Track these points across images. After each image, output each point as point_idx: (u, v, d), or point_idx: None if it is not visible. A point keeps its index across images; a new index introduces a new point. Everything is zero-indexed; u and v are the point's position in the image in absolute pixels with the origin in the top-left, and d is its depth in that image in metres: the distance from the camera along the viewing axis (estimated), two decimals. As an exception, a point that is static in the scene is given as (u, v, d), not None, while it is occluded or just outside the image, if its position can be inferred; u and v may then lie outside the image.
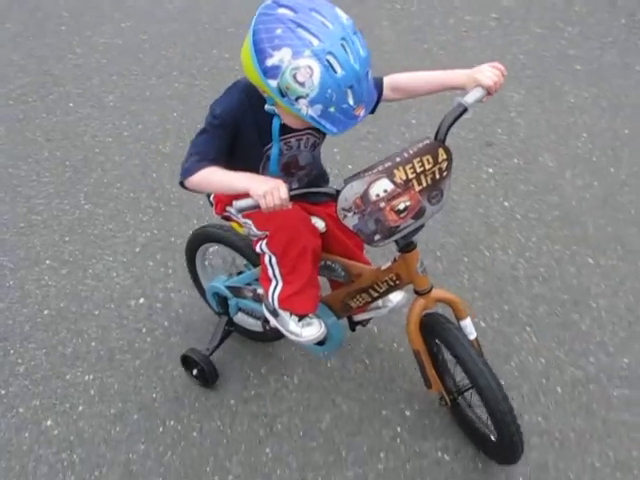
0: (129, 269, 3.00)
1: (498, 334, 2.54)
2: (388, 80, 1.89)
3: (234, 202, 1.65)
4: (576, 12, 4.50)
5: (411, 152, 1.70)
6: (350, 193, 1.66)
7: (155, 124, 3.84)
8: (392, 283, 2.00)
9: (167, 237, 3.15)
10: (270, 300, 2.09)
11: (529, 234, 2.95)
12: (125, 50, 4.46)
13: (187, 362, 2.47)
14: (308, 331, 2.08)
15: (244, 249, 2.28)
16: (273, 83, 1.59)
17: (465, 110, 1.73)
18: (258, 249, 2.06)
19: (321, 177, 2.13)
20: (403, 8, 4.62)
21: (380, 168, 1.68)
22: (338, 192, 1.66)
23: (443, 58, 4.07)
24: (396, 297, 2.22)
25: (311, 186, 2.00)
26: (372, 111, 1.83)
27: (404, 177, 1.69)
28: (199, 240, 2.48)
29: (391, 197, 1.70)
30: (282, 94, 1.60)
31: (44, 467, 2.30)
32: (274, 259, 2.03)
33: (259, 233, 2.03)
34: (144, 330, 2.73)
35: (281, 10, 1.55)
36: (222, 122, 1.79)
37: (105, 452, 2.33)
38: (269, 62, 1.56)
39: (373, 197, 1.68)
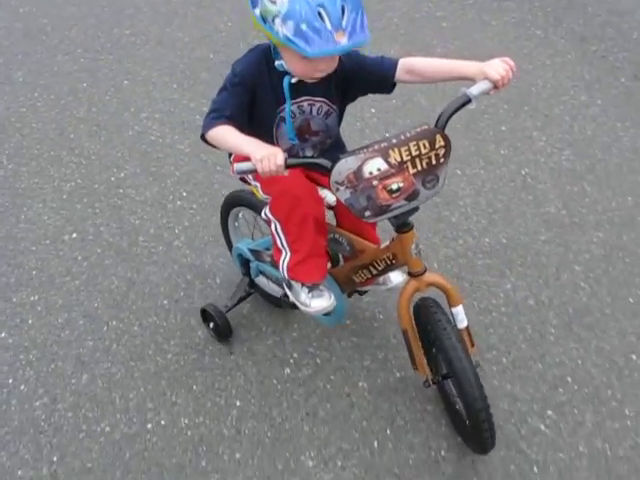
0: (59, 212, 3.34)
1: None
2: (403, 62, 1.93)
3: (235, 165, 1.75)
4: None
5: (408, 135, 1.73)
6: (344, 168, 1.70)
7: (67, 94, 4.16)
8: (389, 262, 2.04)
9: (91, 185, 3.50)
10: (281, 271, 2.15)
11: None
12: (27, 32, 4.74)
13: (205, 315, 2.59)
14: (317, 302, 2.14)
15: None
16: (257, 12, 1.73)
17: (469, 101, 1.77)
18: (264, 215, 2.14)
19: (337, 147, 2.13)
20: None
21: (376, 147, 1.71)
22: (333, 165, 1.70)
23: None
24: (397, 278, 2.30)
25: (325, 154, 2.00)
26: (389, 91, 1.99)
27: (399, 158, 1.72)
28: (230, 203, 2.58)
29: (384, 176, 1.73)
30: (264, 20, 1.72)
31: (4, 367, 2.63)
32: (279, 226, 2.09)
33: (264, 197, 2.12)
34: (79, 258, 3.08)
35: None
36: (241, 80, 1.87)
37: (57, 350, 2.67)
38: None
39: (366, 174, 1.72)
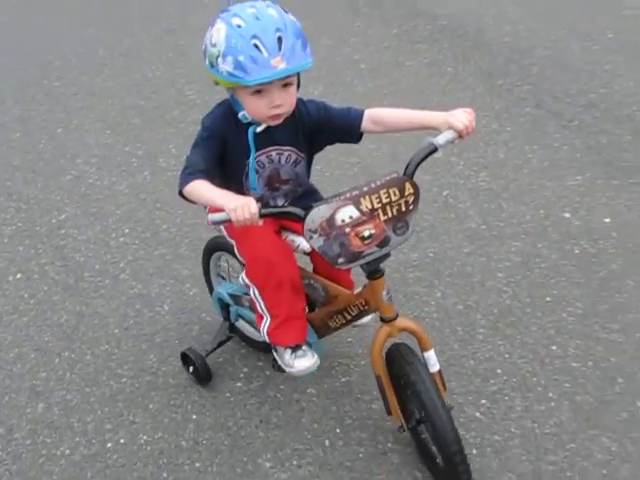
0: (1, 254, 3.42)
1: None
2: (369, 112, 1.98)
3: (209, 215, 1.74)
4: (358, 27, 5.52)
5: (378, 183, 1.78)
6: (317, 216, 1.73)
7: (0, 143, 4.26)
8: (362, 308, 2.07)
9: (32, 227, 3.60)
10: (263, 335, 2.19)
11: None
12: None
13: (185, 359, 2.61)
14: (300, 362, 2.17)
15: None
16: (207, 62, 1.83)
17: (435, 149, 1.82)
18: (241, 280, 2.19)
19: (310, 194, 2.17)
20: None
21: (347, 195, 1.76)
22: (306, 214, 1.74)
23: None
24: (365, 318, 2.27)
25: (297, 202, 2.02)
26: (356, 141, 2.04)
27: (370, 206, 1.77)
28: (211, 248, 2.62)
29: (356, 223, 1.76)
30: (212, 65, 1.82)
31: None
32: (256, 291, 2.13)
33: (240, 258, 2.16)
34: (26, 296, 3.16)
35: None
36: (211, 133, 1.94)
37: (10, 384, 2.72)
38: (203, 46, 1.85)
39: (339, 222, 1.75)
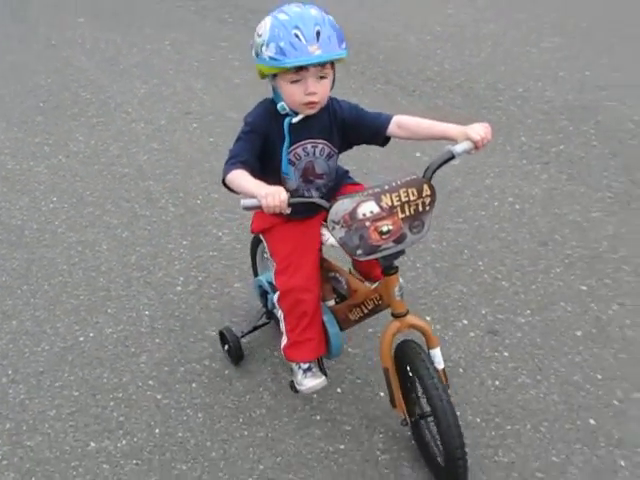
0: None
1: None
2: (397, 118, 2.11)
3: (241, 200, 1.84)
4: (227, 34, 6.32)
5: (399, 182, 1.88)
6: (340, 208, 1.84)
7: None
8: (376, 302, 2.15)
9: None
10: (281, 353, 2.38)
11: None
12: None
13: (222, 337, 2.75)
14: (309, 382, 2.34)
15: None
16: (253, 52, 1.98)
17: (452, 157, 1.95)
18: (274, 300, 2.35)
19: (335, 187, 2.29)
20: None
21: (370, 192, 1.87)
22: (330, 206, 1.86)
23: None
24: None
25: (326, 197, 2.15)
26: (383, 144, 2.17)
27: (390, 203, 1.87)
28: (258, 238, 2.67)
29: (376, 218, 1.86)
30: (257, 55, 1.95)
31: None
32: (282, 315, 2.29)
33: (274, 281, 2.33)
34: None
35: None
36: (253, 128, 2.06)
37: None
38: (251, 40, 2.00)
39: (360, 215, 1.85)
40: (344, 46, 1.94)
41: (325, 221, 2.00)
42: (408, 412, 2.21)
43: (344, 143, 2.20)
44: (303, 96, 1.97)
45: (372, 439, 2.45)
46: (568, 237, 3.40)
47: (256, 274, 2.87)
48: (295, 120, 2.05)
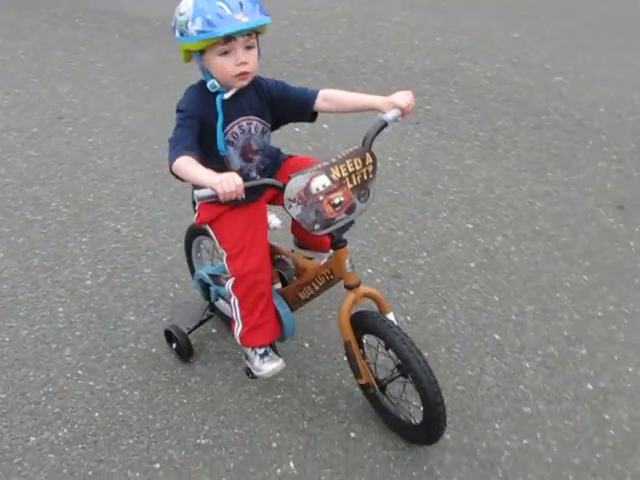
0: None
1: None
2: (323, 92, 2.13)
3: (194, 192, 1.83)
4: (82, 38, 6.24)
5: (344, 154, 1.94)
6: (295, 186, 1.87)
7: None
8: (328, 277, 2.18)
9: None
10: (236, 339, 2.35)
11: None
12: None
13: (168, 336, 2.75)
14: (267, 366, 2.36)
15: None
16: (177, 33, 1.98)
17: (385, 124, 2.01)
18: (227, 289, 2.30)
19: (274, 165, 2.29)
20: None
21: (319, 166, 1.91)
22: (285, 184, 1.88)
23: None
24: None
25: (263, 175, 2.19)
26: (311, 120, 2.19)
27: (339, 175, 1.92)
28: (192, 233, 2.76)
29: (328, 191, 1.91)
30: (182, 34, 1.95)
31: None
32: (237, 301, 2.27)
33: (226, 269, 2.29)
34: None
35: None
36: (188, 113, 2.01)
37: None
38: (172, 23, 2.00)
39: (314, 190, 1.89)
40: (266, 13, 1.96)
41: (269, 203, 2.13)
42: (368, 383, 2.26)
43: (274, 120, 2.21)
44: (234, 67, 1.97)
45: (305, 385, 2.61)
46: (448, 185, 3.70)
47: (192, 270, 2.90)
48: (227, 96, 2.05)
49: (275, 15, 5.57)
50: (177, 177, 1.97)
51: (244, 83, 2.04)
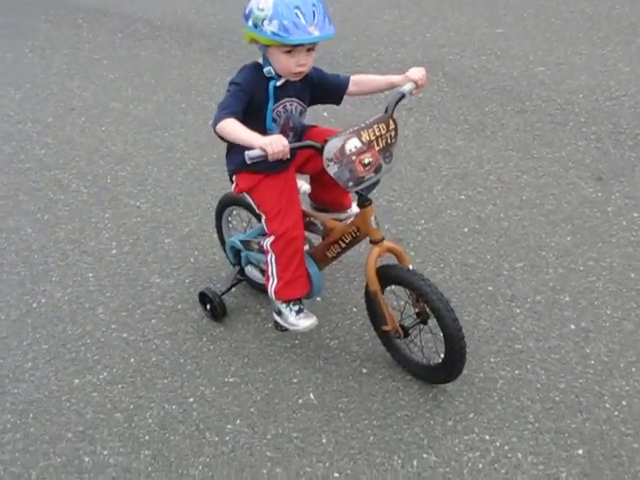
0: None
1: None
2: (354, 77, 2.42)
3: (245, 152, 1.99)
4: (88, 36, 6.53)
5: (371, 120, 2.16)
6: (332, 147, 2.09)
7: None
8: (354, 235, 2.42)
9: None
10: (271, 297, 2.56)
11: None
12: None
13: (202, 298, 2.97)
14: (304, 322, 2.57)
15: (256, 211, 2.61)
16: (250, 22, 2.14)
17: (403, 96, 2.27)
18: (265, 246, 2.52)
19: (300, 136, 2.51)
20: None
21: (351, 130, 2.12)
22: (323, 146, 2.10)
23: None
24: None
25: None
26: (338, 102, 2.46)
27: (368, 138, 2.13)
28: (225, 203, 2.97)
29: (360, 152, 2.12)
30: (255, 26, 2.11)
31: None
32: (274, 258, 2.49)
33: (266, 229, 2.51)
34: None
35: None
36: (243, 87, 2.22)
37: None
38: (247, 10, 2.16)
39: (347, 151, 2.10)
40: (332, 25, 2.15)
41: (297, 172, 2.42)
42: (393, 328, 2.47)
43: (310, 101, 2.44)
44: (295, 66, 2.18)
45: (320, 332, 2.92)
46: (441, 162, 4.03)
47: (221, 239, 3.13)
48: (279, 83, 2.27)
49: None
50: (220, 138, 2.17)
51: (297, 78, 2.27)
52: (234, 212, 3.09)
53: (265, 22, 2.09)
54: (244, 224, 3.19)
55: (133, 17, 7.02)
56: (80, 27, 7.02)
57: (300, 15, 2.06)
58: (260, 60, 2.34)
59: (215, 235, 3.35)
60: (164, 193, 3.99)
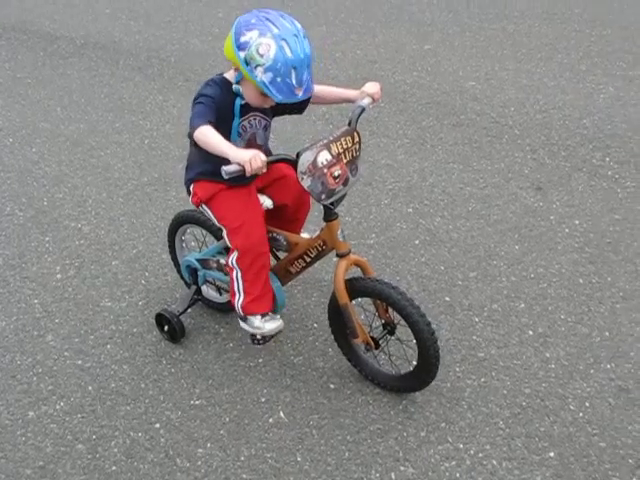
0: None
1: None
2: (314, 88, 2.30)
3: (222, 168, 1.99)
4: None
5: (339, 133, 2.20)
6: (305, 160, 2.11)
7: None
8: (320, 248, 2.42)
9: None
10: (237, 310, 2.56)
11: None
12: None
13: (159, 319, 2.90)
14: (269, 325, 2.56)
15: (213, 228, 2.68)
16: (242, 54, 2.09)
17: (363, 109, 2.33)
18: (230, 263, 2.50)
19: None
20: None
21: (322, 143, 2.15)
22: (296, 160, 2.13)
23: None
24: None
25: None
26: (301, 112, 2.44)
27: (337, 150, 2.18)
28: (179, 221, 2.92)
29: (330, 165, 2.16)
30: (247, 63, 2.09)
31: None
32: (240, 274, 2.48)
33: (227, 240, 2.50)
34: None
35: (257, 13, 2.15)
36: (213, 100, 2.21)
37: None
38: (242, 39, 2.09)
39: (319, 164, 2.14)
40: (313, 85, 2.21)
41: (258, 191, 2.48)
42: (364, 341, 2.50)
43: (273, 114, 2.46)
44: (264, 103, 2.27)
45: (283, 349, 2.90)
46: (385, 177, 4.09)
47: (174, 258, 3.10)
48: (244, 102, 2.30)
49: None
50: (195, 145, 2.15)
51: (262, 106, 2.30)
52: (187, 231, 3.05)
53: (259, 69, 2.09)
54: (197, 243, 3.16)
55: (55, 35, 6.83)
56: (-3, 45, 6.75)
57: (293, 76, 2.09)
58: (226, 75, 2.33)
59: (165, 256, 3.29)
60: (106, 214, 3.88)
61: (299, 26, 2.16)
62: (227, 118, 2.31)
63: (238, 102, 2.29)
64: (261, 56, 2.08)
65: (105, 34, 6.76)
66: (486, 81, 5.16)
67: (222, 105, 2.26)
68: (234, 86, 2.25)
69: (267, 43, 2.08)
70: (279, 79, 2.08)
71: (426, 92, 5.05)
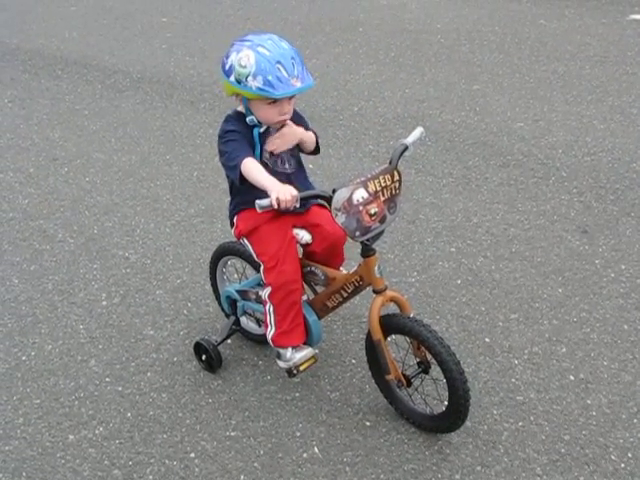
0: None
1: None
2: None
3: (256, 202, 2.08)
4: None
5: (377, 171, 2.21)
6: (340, 197, 2.12)
7: None
8: (357, 284, 2.43)
9: None
10: (269, 341, 2.61)
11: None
12: None
13: (198, 348, 2.94)
14: (299, 354, 2.60)
15: (251, 259, 2.69)
16: (232, 78, 2.23)
17: (406, 147, 2.30)
18: (263, 296, 2.56)
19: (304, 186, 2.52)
20: None
21: (358, 180, 2.17)
22: (332, 196, 2.13)
23: None
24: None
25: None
26: (318, 152, 2.54)
27: (374, 188, 2.18)
28: (220, 252, 2.98)
29: (366, 202, 2.17)
30: (238, 82, 2.21)
31: None
32: (272, 308, 2.53)
33: (263, 279, 2.56)
34: None
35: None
36: (240, 133, 2.33)
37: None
38: (226, 67, 2.25)
39: (355, 201, 2.14)
40: (310, 74, 2.29)
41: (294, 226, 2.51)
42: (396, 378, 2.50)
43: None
44: (278, 116, 2.32)
45: (319, 384, 2.90)
46: (429, 215, 4.09)
47: (215, 289, 3.14)
48: (262, 130, 2.40)
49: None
50: (242, 181, 2.26)
51: (279, 125, 2.40)
52: (229, 262, 3.11)
53: (249, 78, 2.20)
54: (239, 275, 3.20)
55: (113, 69, 7.05)
56: (59, 78, 7.01)
57: (282, 69, 2.17)
58: (239, 109, 2.43)
59: (207, 286, 3.34)
60: (153, 244, 3.96)
61: (274, 35, 2.28)
62: (251, 147, 2.39)
63: (256, 131, 2.39)
64: (244, 67, 2.20)
65: (160, 69, 6.96)
66: (534, 122, 5.15)
67: (245, 136, 2.37)
68: (248, 118, 2.35)
69: (245, 54, 2.21)
70: (270, 77, 2.17)
71: (473, 132, 5.06)
